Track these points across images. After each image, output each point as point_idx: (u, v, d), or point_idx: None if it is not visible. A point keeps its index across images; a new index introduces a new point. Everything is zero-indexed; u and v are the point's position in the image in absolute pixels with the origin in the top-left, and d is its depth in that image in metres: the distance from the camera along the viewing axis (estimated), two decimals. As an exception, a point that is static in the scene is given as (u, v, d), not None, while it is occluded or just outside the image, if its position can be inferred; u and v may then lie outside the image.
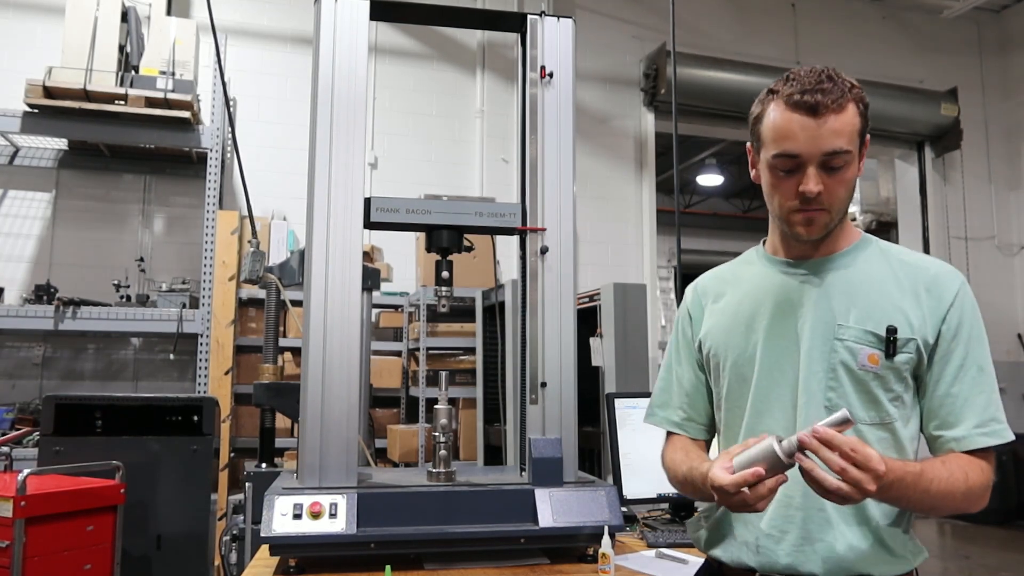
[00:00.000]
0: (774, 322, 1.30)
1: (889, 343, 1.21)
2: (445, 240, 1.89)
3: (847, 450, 1.04)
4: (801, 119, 1.19)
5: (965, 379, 1.21)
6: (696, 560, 1.77)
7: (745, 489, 1.08)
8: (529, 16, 1.97)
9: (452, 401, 2.15)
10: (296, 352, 4.19)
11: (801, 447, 1.06)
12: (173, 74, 4.13)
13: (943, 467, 1.16)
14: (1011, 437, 1.19)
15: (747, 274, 1.40)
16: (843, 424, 1.06)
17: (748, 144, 1.34)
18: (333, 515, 1.61)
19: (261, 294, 3.93)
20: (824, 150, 1.19)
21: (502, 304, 3.80)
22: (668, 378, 1.46)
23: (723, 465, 1.12)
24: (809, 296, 1.28)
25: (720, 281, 1.45)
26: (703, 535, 1.36)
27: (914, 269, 1.27)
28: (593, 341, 3.23)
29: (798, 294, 1.30)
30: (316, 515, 1.60)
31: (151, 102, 4.02)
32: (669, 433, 1.45)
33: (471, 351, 4.38)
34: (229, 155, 4.58)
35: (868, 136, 1.26)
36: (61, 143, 4.51)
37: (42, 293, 4.03)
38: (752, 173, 1.34)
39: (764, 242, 1.41)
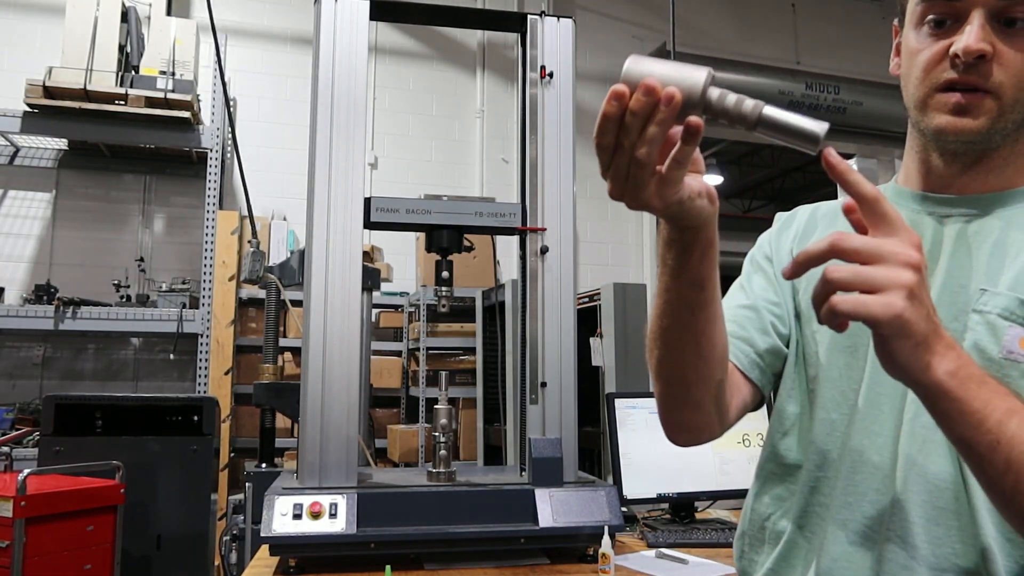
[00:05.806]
0: None
1: None
2: (445, 240, 1.88)
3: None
4: None
5: None
6: (696, 560, 1.77)
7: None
8: (529, 16, 1.97)
9: (452, 401, 2.15)
10: (296, 352, 4.19)
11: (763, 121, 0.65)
12: (173, 74, 4.13)
13: None
14: None
15: None
16: None
17: (895, 23, 0.97)
18: (333, 515, 1.61)
19: (261, 294, 3.93)
20: None
21: (502, 304, 3.80)
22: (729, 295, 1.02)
23: None
24: (947, 245, 0.86)
25: (822, 217, 1.01)
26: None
27: None
28: (593, 341, 3.23)
29: (932, 241, 0.87)
30: (316, 515, 1.60)
31: (151, 102, 4.01)
32: None
33: (471, 351, 4.37)
34: (229, 155, 4.57)
35: None
36: (61, 143, 4.51)
37: (42, 293, 4.03)
38: (892, 64, 0.95)
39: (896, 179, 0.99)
